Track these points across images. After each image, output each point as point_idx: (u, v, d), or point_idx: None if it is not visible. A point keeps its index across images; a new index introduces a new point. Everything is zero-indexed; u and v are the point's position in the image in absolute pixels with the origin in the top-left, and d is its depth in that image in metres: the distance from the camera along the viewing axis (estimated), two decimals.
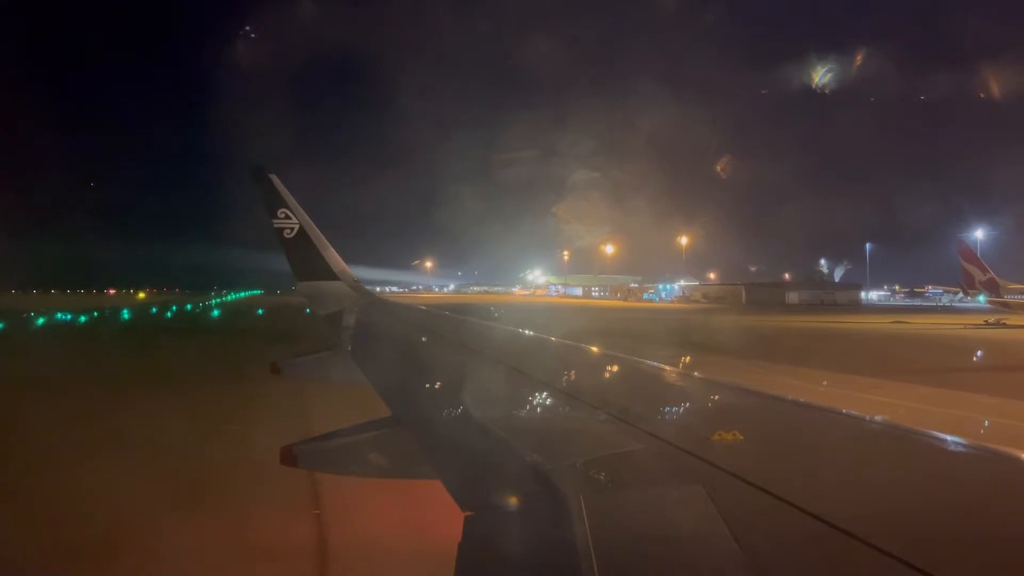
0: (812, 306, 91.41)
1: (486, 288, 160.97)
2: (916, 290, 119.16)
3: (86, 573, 6.66)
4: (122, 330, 43.80)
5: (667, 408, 3.14)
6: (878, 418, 2.43)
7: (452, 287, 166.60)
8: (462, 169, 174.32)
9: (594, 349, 5.29)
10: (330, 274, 10.51)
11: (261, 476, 7.99)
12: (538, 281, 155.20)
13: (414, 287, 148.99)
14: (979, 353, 28.54)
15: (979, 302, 50.86)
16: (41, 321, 45.82)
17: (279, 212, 10.42)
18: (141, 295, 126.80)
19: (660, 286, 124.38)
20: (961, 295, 56.33)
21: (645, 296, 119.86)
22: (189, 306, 74.06)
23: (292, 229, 10.43)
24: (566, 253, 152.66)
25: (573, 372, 4.43)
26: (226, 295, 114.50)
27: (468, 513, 1.90)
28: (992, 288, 48.68)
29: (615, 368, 4.53)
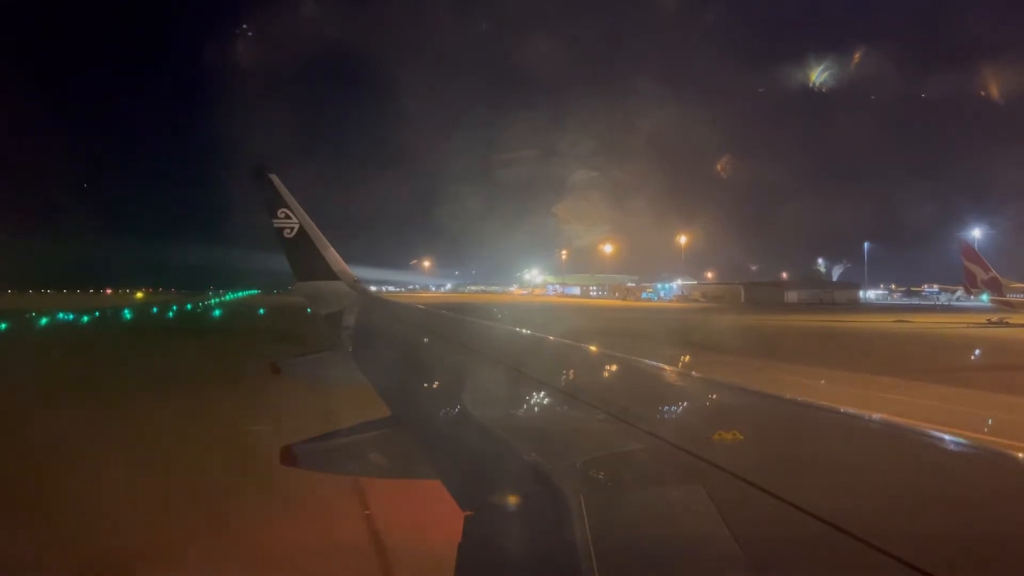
0: (811, 305, 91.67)
1: (483, 287, 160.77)
2: (913, 289, 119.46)
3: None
4: (126, 330, 43.54)
5: (667, 408, 3.14)
6: (877, 417, 2.43)
7: (449, 286, 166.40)
8: (460, 168, 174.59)
9: (593, 348, 5.29)
10: (330, 274, 10.48)
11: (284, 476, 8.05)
12: (536, 280, 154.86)
13: (411, 286, 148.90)
14: (990, 352, 28.53)
15: (982, 301, 50.93)
16: (44, 321, 45.60)
17: (279, 212, 10.39)
18: (139, 295, 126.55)
19: (659, 285, 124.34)
20: (959, 294, 56.39)
21: (643, 295, 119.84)
22: (189, 306, 73.99)
23: (292, 229, 10.41)
24: (564, 252, 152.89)
25: (572, 372, 4.43)
26: (223, 295, 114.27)
27: (468, 513, 1.90)
28: (995, 287, 48.71)
29: (614, 368, 4.52)
